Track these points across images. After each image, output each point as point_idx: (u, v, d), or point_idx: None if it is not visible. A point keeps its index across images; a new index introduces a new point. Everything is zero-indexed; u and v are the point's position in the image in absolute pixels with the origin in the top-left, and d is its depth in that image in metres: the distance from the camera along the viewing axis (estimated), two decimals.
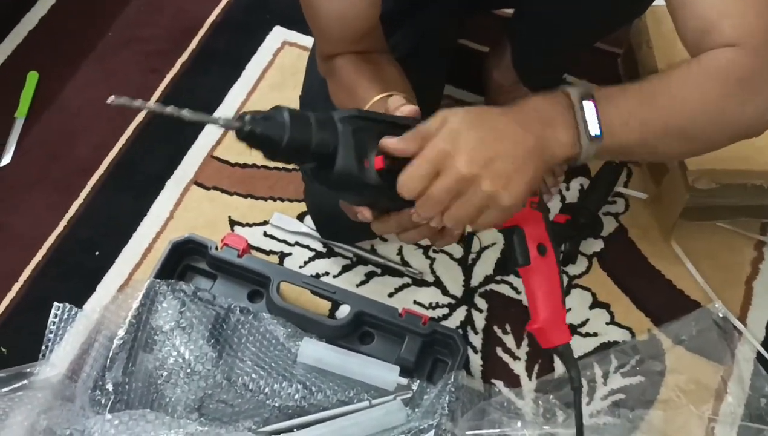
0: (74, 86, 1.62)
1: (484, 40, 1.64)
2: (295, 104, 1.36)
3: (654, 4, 1.29)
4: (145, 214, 1.46)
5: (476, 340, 1.35)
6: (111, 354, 1.20)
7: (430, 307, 1.38)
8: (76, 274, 1.39)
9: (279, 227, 1.44)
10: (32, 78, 1.62)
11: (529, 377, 1.32)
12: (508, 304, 1.39)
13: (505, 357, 1.34)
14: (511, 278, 1.41)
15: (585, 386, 1.29)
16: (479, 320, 1.37)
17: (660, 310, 1.36)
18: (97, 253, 1.42)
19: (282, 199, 1.48)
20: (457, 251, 1.43)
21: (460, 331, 1.35)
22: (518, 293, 1.39)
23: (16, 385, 1.17)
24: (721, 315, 1.36)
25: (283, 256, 1.41)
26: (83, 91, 1.61)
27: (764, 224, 1.46)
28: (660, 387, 1.30)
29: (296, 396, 1.21)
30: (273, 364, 1.23)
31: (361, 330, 1.29)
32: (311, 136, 0.82)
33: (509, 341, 1.35)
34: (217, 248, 1.30)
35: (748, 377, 1.32)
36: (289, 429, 1.19)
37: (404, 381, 1.22)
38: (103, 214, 1.46)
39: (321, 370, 1.23)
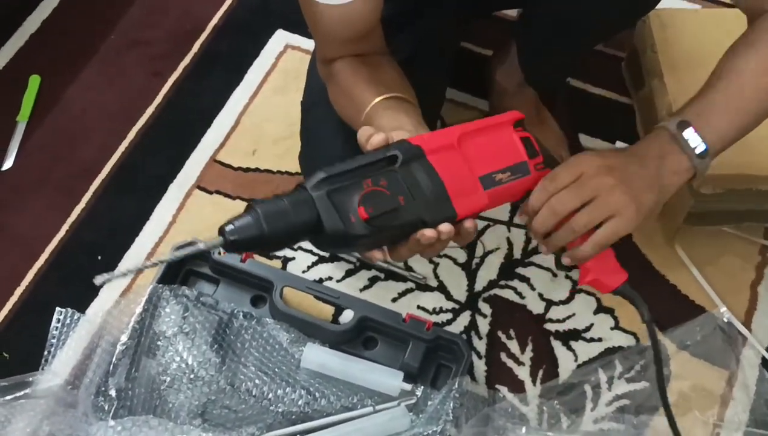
0: (76, 89, 1.62)
1: (487, 42, 1.63)
2: (299, 107, 1.35)
3: (658, 7, 1.29)
4: (148, 219, 1.45)
5: (480, 345, 1.34)
6: (114, 360, 1.19)
7: (434, 312, 1.37)
8: (78, 278, 1.39)
9: None
10: (34, 81, 1.61)
11: (534, 382, 1.31)
12: (512, 309, 1.38)
13: (510, 362, 1.33)
14: (515, 283, 1.40)
15: (589, 391, 1.29)
16: (483, 325, 1.36)
17: (664, 315, 1.36)
18: (99, 257, 1.41)
19: None
20: (461, 255, 1.42)
21: (464, 336, 1.34)
22: (522, 297, 1.39)
23: (19, 393, 1.16)
24: (725, 320, 1.35)
25: (286, 260, 1.41)
26: (85, 95, 1.61)
27: None
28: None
29: (300, 402, 1.21)
30: (276, 369, 1.23)
31: (364, 335, 1.28)
32: (291, 220, 0.84)
33: (513, 346, 1.35)
34: (219, 253, 1.29)
35: (753, 383, 1.31)
36: (293, 435, 1.18)
37: (408, 387, 1.22)
38: (106, 218, 1.46)
39: (324, 375, 1.23)
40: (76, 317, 1.28)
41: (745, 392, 1.31)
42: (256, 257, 1.36)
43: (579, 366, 1.33)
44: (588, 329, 1.36)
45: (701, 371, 1.32)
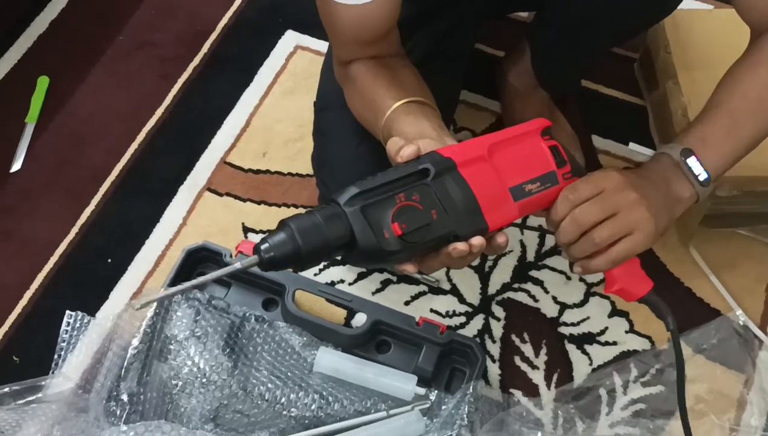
0: (85, 91, 1.61)
1: (500, 44, 1.62)
2: (310, 109, 1.34)
3: None
4: (158, 221, 1.44)
5: (494, 349, 1.33)
6: (125, 364, 1.18)
7: (447, 315, 1.36)
8: (88, 282, 1.38)
9: None
10: (43, 82, 1.60)
11: (548, 386, 1.30)
12: (526, 312, 1.37)
13: (524, 366, 1.32)
14: (529, 286, 1.39)
15: (605, 395, 1.28)
16: (497, 329, 1.35)
17: (680, 319, 1.32)
18: (109, 260, 1.40)
19: (296, 206, 1.46)
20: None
21: (478, 340, 1.33)
22: (536, 301, 1.38)
23: (30, 397, 1.15)
24: (741, 323, 1.34)
25: None
26: (94, 96, 1.60)
27: None
28: None
29: (313, 406, 1.20)
30: (289, 373, 1.22)
31: (377, 339, 1.27)
32: (325, 236, 0.84)
33: (527, 349, 1.34)
34: (231, 256, 1.28)
35: None
36: None
37: (422, 391, 1.20)
38: (116, 221, 1.45)
39: (337, 379, 1.22)
40: (86, 321, 1.27)
41: (761, 396, 1.30)
42: None
43: (594, 370, 1.32)
44: (602, 332, 1.35)
45: (717, 375, 1.31)
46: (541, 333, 1.35)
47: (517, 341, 1.34)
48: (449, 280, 1.39)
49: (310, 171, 1.36)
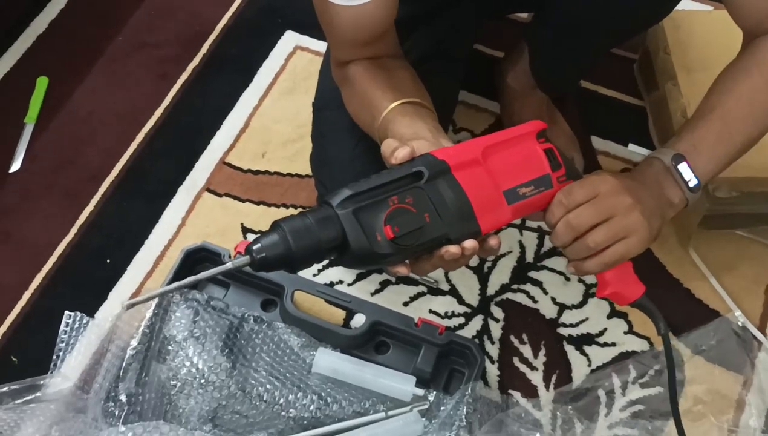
0: (84, 91, 1.61)
1: (499, 45, 1.62)
2: (309, 109, 1.34)
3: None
4: (157, 222, 1.44)
5: (493, 350, 1.33)
6: (124, 364, 1.18)
7: (446, 316, 1.36)
8: (87, 282, 1.38)
9: None
10: (42, 83, 1.60)
11: (547, 387, 1.30)
12: (525, 313, 1.37)
13: (523, 367, 1.32)
14: (528, 287, 1.39)
15: (603, 396, 1.28)
16: (496, 330, 1.35)
17: (679, 319, 1.34)
18: (108, 261, 1.40)
19: (295, 206, 1.46)
20: (473, 259, 1.40)
21: (477, 341, 1.33)
22: (535, 302, 1.38)
23: (29, 397, 1.15)
24: (740, 324, 1.34)
25: None
26: (94, 96, 1.60)
27: None
28: (679, 398, 1.28)
29: (311, 407, 1.19)
30: (287, 374, 1.22)
31: (376, 340, 1.27)
32: (317, 238, 0.84)
33: (526, 350, 1.33)
34: (230, 257, 1.28)
35: None
36: None
37: (421, 392, 1.20)
38: (114, 222, 1.45)
39: (336, 380, 1.21)
40: (85, 321, 1.26)
41: (760, 397, 1.29)
42: None
43: (592, 371, 1.32)
44: (601, 333, 1.35)
45: (716, 376, 1.31)
46: (540, 334, 1.35)
47: (516, 341, 1.34)
48: (448, 281, 1.39)
49: (309, 172, 1.35)
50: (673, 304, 1.37)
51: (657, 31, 1.50)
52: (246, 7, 1.72)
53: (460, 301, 1.37)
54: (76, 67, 1.63)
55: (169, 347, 1.21)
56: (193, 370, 1.20)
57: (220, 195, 1.48)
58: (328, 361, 1.22)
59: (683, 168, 1.03)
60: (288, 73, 1.62)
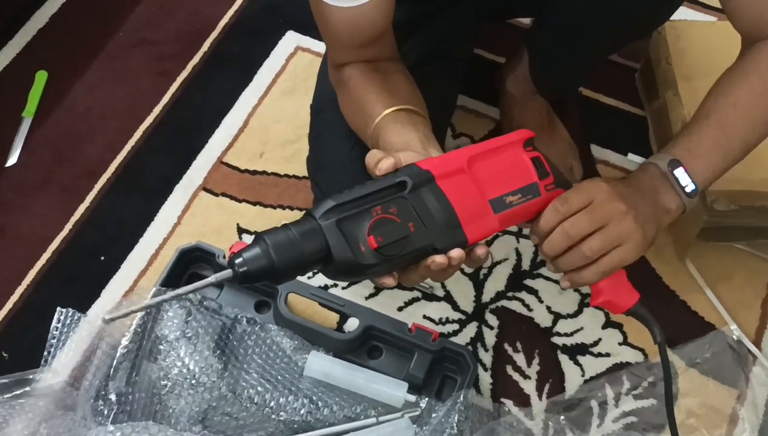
0: (83, 86, 1.60)
1: (500, 50, 1.62)
2: (308, 110, 1.34)
3: (674, 18, 1.27)
4: (153, 220, 1.44)
5: (486, 357, 1.33)
6: (115, 363, 1.17)
7: (440, 322, 1.35)
8: (80, 279, 1.37)
9: None
10: (41, 77, 1.60)
11: (540, 396, 1.30)
12: (519, 321, 1.36)
13: (516, 376, 1.31)
14: (523, 295, 1.38)
15: (596, 407, 1.27)
16: (490, 337, 1.34)
17: (674, 332, 1.33)
18: (102, 258, 1.39)
19: (291, 208, 1.45)
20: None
21: (470, 348, 1.32)
22: (530, 310, 1.37)
23: (18, 392, 1.14)
24: (735, 338, 1.34)
25: None
26: (92, 92, 1.59)
27: None
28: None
29: (302, 411, 1.19)
30: (279, 377, 1.21)
31: (369, 344, 1.26)
32: (301, 250, 0.83)
33: (520, 359, 1.33)
34: (224, 257, 1.28)
35: (762, 403, 1.30)
36: None
37: (412, 398, 1.20)
38: (110, 219, 1.44)
39: (328, 384, 1.21)
40: (76, 318, 1.26)
41: (753, 412, 1.29)
42: None
43: (586, 381, 1.31)
44: (596, 343, 1.35)
45: (710, 389, 1.30)
46: (534, 343, 1.35)
47: (509, 350, 1.34)
48: (443, 287, 1.38)
49: (306, 173, 1.35)
50: (668, 316, 1.36)
51: (659, 40, 1.49)
52: (247, 6, 1.71)
53: (455, 307, 1.37)
54: (75, 62, 1.63)
55: (161, 347, 1.20)
56: (184, 370, 1.19)
57: (216, 194, 1.47)
58: (320, 364, 1.21)
59: (679, 173, 1.02)
60: (288, 74, 1.62)
